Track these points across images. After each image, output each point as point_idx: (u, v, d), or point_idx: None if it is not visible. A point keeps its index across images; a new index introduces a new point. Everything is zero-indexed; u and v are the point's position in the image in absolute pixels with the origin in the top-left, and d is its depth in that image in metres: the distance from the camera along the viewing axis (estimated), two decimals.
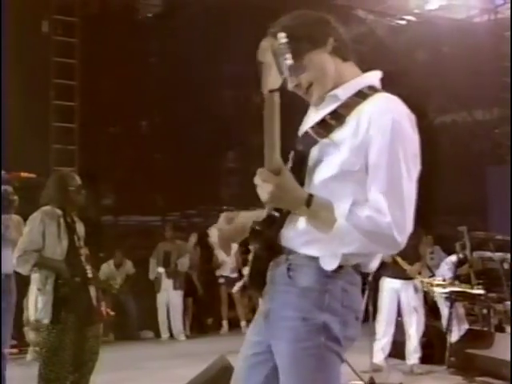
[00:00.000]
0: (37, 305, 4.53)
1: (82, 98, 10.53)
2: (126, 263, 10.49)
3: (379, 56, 12.05)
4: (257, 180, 1.98)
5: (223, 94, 12.50)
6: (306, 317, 2.06)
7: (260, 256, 2.15)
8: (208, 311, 11.19)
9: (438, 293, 7.60)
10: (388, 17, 12.02)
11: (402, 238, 1.97)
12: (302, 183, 2.05)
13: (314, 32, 2.13)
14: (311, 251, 2.10)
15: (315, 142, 2.08)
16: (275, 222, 2.11)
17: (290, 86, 2.12)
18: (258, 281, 2.18)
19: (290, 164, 2.12)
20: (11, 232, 5.55)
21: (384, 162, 1.97)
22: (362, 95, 2.09)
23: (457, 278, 7.72)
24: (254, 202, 2.14)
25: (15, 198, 5.63)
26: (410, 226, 1.98)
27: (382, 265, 7.13)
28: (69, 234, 4.68)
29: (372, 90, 2.11)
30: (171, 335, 10.35)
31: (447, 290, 7.47)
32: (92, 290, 4.73)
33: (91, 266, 4.80)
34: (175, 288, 10.37)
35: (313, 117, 2.19)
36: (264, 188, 1.96)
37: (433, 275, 8.40)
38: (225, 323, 10.88)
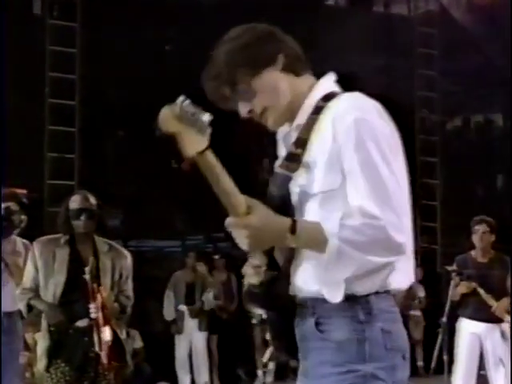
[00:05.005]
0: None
1: (84, 95, 10.61)
2: (131, 335, 9.65)
3: (451, 40, 12.48)
4: (233, 232, 2.15)
5: None
6: (349, 370, 2.20)
7: (276, 320, 2.33)
8: (239, 358, 11.10)
9: None
10: None
11: (401, 239, 2.15)
12: None
13: (260, 51, 2.30)
14: (314, 287, 2.25)
15: (289, 179, 2.28)
16: (279, 278, 2.28)
17: (243, 113, 2.32)
18: (285, 343, 2.34)
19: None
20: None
21: (358, 165, 2.18)
22: (317, 110, 2.30)
23: None
24: None
25: (22, 217, 5.60)
26: (405, 224, 2.19)
27: (460, 302, 7.01)
28: (70, 268, 4.73)
29: (326, 99, 2.31)
30: None
31: None
32: (106, 334, 4.69)
33: (108, 304, 4.71)
34: (200, 329, 10.10)
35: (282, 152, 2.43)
36: (240, 236, 2.12)
37: None
38: (260, 373, 10.67)
